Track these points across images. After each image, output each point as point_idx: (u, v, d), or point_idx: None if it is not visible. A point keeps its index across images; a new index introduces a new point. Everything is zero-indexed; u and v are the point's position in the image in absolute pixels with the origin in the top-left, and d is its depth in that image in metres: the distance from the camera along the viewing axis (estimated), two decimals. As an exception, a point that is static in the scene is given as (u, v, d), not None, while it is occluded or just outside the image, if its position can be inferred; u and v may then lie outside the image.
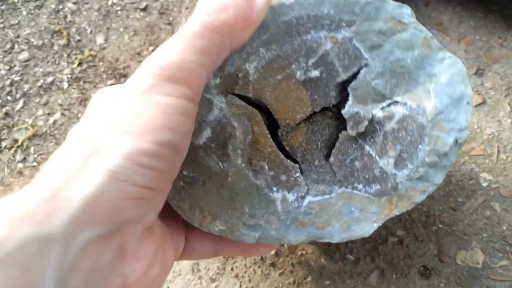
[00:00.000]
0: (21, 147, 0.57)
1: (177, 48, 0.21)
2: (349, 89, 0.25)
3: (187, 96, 0.21)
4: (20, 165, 0.56)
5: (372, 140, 0.25)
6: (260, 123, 0.25)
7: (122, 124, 0.20)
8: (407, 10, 0.24)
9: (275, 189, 0.25)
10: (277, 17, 0.24)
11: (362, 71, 0.25)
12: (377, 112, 0.25)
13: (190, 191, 0.25)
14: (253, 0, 0.22)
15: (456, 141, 0.23)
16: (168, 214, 0.26)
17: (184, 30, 0.21)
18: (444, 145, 0.23)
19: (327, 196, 0.25)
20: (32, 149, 0.57)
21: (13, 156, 0.57)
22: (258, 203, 0.25)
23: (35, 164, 0.56)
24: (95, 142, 0.20)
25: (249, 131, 0.25)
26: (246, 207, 0.25)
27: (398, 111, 0.24)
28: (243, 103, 0.25)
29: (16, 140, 0.57)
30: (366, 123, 0.24)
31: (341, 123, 0.26)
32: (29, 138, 0.57)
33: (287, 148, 0.26)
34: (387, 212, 0.24)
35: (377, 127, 0.25)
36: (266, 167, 0.26)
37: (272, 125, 0.27)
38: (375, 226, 0.24)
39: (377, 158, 0.25)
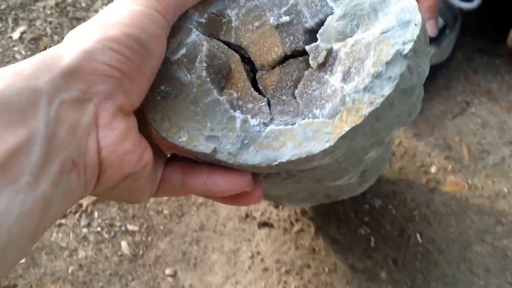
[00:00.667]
0: (85, 212, 0.59)
1: None
2: (317, 35, 0.27)
3: (155, 7, 0.24)
4: (84, 230, 0.58)
5: (330, 70, 0.26)
6: (238, 62, 0.28)
7: (99, 21, 0.23)
8: None
9: (238, 111, 0.26)
10: None
11: (328, 18, 0.27)
12: (336, 45, 0.26)
13: (164, 104, 0.26)
14: None
15: (400, 53, 0.24)
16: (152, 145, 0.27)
17: None
18: (387, 55, 0.24)
19: (289, 126, 0.25)
20: (96, 214, 0.59)
21: (78, 221, 0.59)
22: (219, 119, 0.26)
23: (99, 229, 0.58)
24: (77, 34, 0.23)
25: (219, 56, 0.27)
26: (208, 121, 0.26)
27: (352, 39, 0.26)
28: (225, 46, 0.28)
29: (80, 205, 0.59)
30: (324, 53, 0.26)
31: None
32: (93, 203, 0.59)
33: (261, 88, 0.28)
34: (338, 130, 0.24)
35: (336, 57, 0.26)
36: (235, 94, 0.27)
37: (254, 73, 0.29)
38: (327, 145, 0.24)
39: (330, 79, 0.26)
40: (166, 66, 0.27)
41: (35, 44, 0.72)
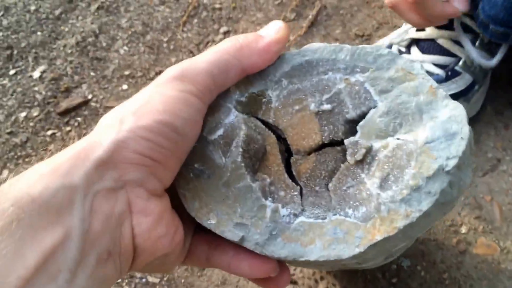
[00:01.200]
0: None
1: (192, 60, 0.26)
2: (358, 127, 0.26)
3: (190, 91, 0.24)
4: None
5: (368, 169, 0.25)
6: (274, 144, 0.28)
7: (132, 108, 0.24)
8: (417, 64, 0.26)
9: (269, 199, 0.26)
10: (301, 57, 0.28)
11: (371, 112, 0.26)
12: (376, 143, 0.26)
13: (196, 183, 0.26)
14: (262, 36, 0.27)
15: (442, 168, 0.23)
16: (182, 214, 0.28)
17: (205, 50, 0.27)
18: (428, 169, 0.23)
19: (320, 220, 0.25)
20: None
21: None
22: (250, 206, 0.26)
23: (119, 280, 0.56)
24: (110, 122, 0.24)
25: (256, 139, 0.27)
26: (239, 207, 0.26)
27: (393, 142, 0.25)
28: (262, 125, 0.28)
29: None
30: (363, 150, 0.25)
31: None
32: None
33: (294, 173, 0.28)
34: (370, 237, 0.24)
35: (374, 157, 0.25)
36: (268, 180, 0.27)
37: (289, 154, 0.29)
38: (357, 250, 0.24)
39: (367, 181, 0.25)
40: (202, 144, 0.27)
41: (56, 84, 0.72)
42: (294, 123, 0.28)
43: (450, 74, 0.53)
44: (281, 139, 0.29)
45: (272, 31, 0.27)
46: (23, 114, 0.69)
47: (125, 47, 0.73)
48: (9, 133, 0.67)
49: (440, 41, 0.54)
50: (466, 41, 0.52)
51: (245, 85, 0.28)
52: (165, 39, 0.73)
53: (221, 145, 0.27)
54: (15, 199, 0.20)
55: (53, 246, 0.19)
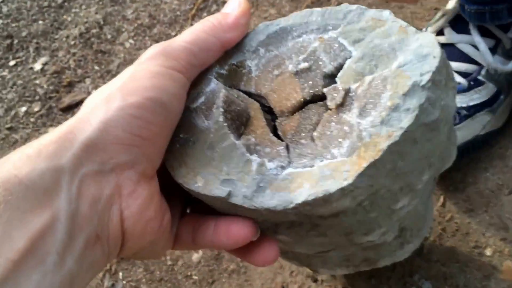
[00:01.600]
0: (109, 272, 0.56)
1: (170, 41, 0.26)
2: (336, 79, 0.27)
3: (175, 67, 0.25)
4: (108, 292, 0.54)
5: (349, 110, 0.26)
6: (257, 110, 0.28)
7: (119, 86, 0.24)
8: (386, 12, 0.28)
9: (255, 155, 0.26)
10: (275, 26, 0.30)
11: (347, 62, 0.27)
12: (354, 85, 0.26)
13: (182, 151, 0.27)
14: (228, 13, 0.29)
15: (417, 84, 0.24)
16: (169, 198, 0.28)
17: (180, 33, 0.28)
18: (404, 86, 0.24)
19: (308, 168, 0.25)
20: (120, 275, 0.55)
21: (101, 281, 0.55)
22: (235, 162, 0.26)
23: (123, 291, 0.54)
24: (97, 101, 0.23)
25: (237, 102, 0.28)
26: (224, 165, 0.26)
27: (370, 77, 0.26)
28: (245, 95, 0.29)
29: (104, 264, 0.56)
30: (342, 93, 0.26)
31: None
32: (118, 262, 0.56)
33: (280, 133, 0.28)
34: (356, 167, 0.23)
35: (354, 97, 0.26)
36: (253, 139, 0.27)
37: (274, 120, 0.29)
38: (344, 183, 0.23)
39: (347, 117, 0.25)
40: (185, 114, 0.27)
41: (58, 78, 0.69)
42: (275, 87, 0.29)
43: (473, 83, 0.51)
44: (266, 108, 0.29)
45: (235, 5, 0.29)
46: (23, 109, 0.66)
47: (131, 40, 0.70)
48: (8, 129, 0.64)
49: (460, 46, 0.52)
50: (481, 44, 0.50)
51: (224, 58, 0.29)
52: (173, 33, 0.70)
53: (203, 110, 0.28)
54: (2, 181, 0.20)
55: (41, 228, 0.19)
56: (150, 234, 0.24)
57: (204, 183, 0.26)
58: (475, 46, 0.51)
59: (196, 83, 0.28)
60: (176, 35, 0.68)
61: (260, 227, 0.28)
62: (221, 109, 0.27)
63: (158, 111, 0.24)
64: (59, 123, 0.64)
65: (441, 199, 0.53)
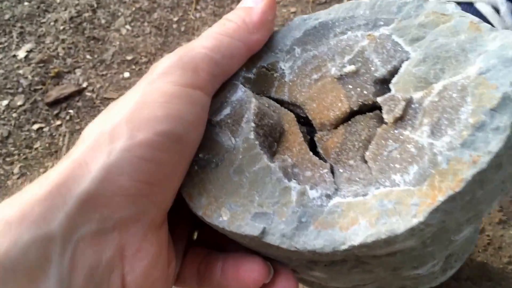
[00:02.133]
0: None
1: (188, 47, 0.23)
2: (391, 85, 0.24)
3: (193, 83, 0.22)
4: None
5: (411, 125, 0.23)
6: (292, 122, 0.26)
7: (124, 114, 0.20)
8: (451, 4, 0.25)
9: (294, 180, 0.23)
10: (313, 20, 0.27)
11: (404, 65, 0.24)
12: (416, 94, 0.23)
13: (203, 175, 0.24)
14: (251, 8, 0.26)
15: (508, 96, 0.20)
16: (175, 227, 0.26)
17: (197, 38, 0.25)
18: (491, 99, 0.20)
19: (361, 198, 0.22)
20: None
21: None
22: (270, 191, 0.23)
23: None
24: (97, 135, 0.20)
25: (270, 114, 0.25)
26: (256, 195, 0.23)
27: (439, 84, 0.23)
28: (277, 104, 0.26)
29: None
30: (403, 103, 0.23)
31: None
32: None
33: (321, 151, 0.25)
34: (430, 201, 0.20)
35: (417, 109, 0.23)
36: (290, 160, 0.24)
37: (311, 133, 0.27)
38: (414, 221, 0.20)
39: (414, 136, 0.22)
40: (206, 129, 0.24)
41: (44, 68, 0.62)
42: (313, 94, 0.26)
43: None
44: (302, 119, 0.26)
45: None
46: (4, 102, 0.60)
47: (128, 26, 0.64)
48: (-13, 125, 0.57)
49: (479, 6, 0.49)
50: (504, 5, 0.47)
51: (251, 59, 0.26)
52: (175, 19, 0.64)
53: (229, 125, 0.24)
54: None
55: None
56: None
57: (231, 216, 0.23)
58: (495, 8, 0.48)
59: (218, 89, 0.25)
60: (178, 20, 0.64)
61: (289, 264, 0.25)
62: (252, 124, 0.24)
63: (172, 147, 0.21)
64: (45, 119, 0.57)
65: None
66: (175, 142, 0.21)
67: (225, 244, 0.26)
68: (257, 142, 0.24)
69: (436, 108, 0.22)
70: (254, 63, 0.27)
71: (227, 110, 0.25)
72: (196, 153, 0.24)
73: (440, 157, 0.21)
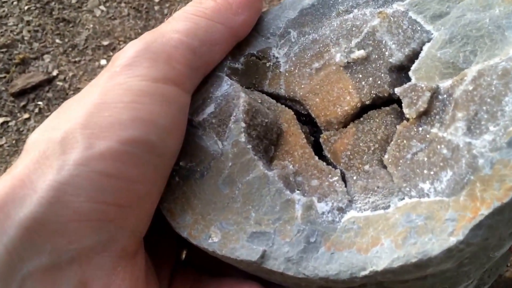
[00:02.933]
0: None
1: (157, 31, 0.21)
2: (410, 73, 0.21)
3: (168, 77, 0.19)
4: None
5: (440, 120, 0.20)
6: (292, 120, 0.23)
7: (81, 119, 0.18)
8: None
9: (297, 191, 0.21)
10: None
11: (425, 47, 0.22)
12: (444, 83, 0.21)
13: (185, 188, 0.22)
14: None
15: None
16: (153, 250, 0.23)
17: (167, 19, 0.22)
18: None
19: (381, 211, 0.20)
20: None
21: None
22: (269, 205, 0.21)
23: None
24: (47, 147, 0.18)
25: (263, 112, 0.23)
26: (252, 210, 0.21)
27: (472, 69, 0.20)
28: (272, 100, 0.23)
29: None
30: (427, 95, 0.20)
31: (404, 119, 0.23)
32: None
33: (328, 155, 0.23)
34: (470, 215, 0.18)
35: (446, 101, 0.20)
36: (291, 167, 0.22)
37: (315, 132, 0.24)
38: (452, 241, 0.18)
39: (445, 134, 0.20)
40: (187, 131, 0.22)
41: (7, 53, 0.58)
42: (315, 87, 0.23)
43: None
44: (303, 116, 0.24)
45: None
46: None
47: (102, 7, 0.60)
48: None
49: None
50: None
51: (238, 47, 0.24)
52: (157, 0, 0.60)
53: (214, 126, 0.22)
54: None
55: None
56: None
57: (223, 237, 0.21)
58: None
59: (199, 83, 0.23)
60: (160, 1, 0.59)
61: None
62: (242, 124, 0.22)
63: (143, 159, 0.18)
64: (10, 112, 0.54)
65: None
66: (147, 152, 0.18)
67: (219, 266, 0.23)
68: (249, 146, 0.22)
69: (471, 98, 0.20)
70: (242, 50, 0.24)
71: (210, 108, 0.22)
72: (176, 161, 0.22)
73: (481, 160, 0.18)
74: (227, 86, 0.23)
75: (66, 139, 0.17)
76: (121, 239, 0.19)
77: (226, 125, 0.22)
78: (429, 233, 0.18)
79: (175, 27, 0.21)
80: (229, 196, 0.22)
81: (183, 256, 0.26)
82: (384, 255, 0.19)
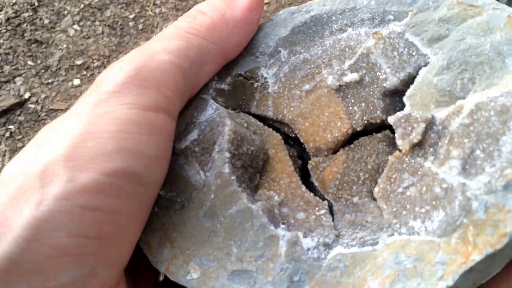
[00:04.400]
0: None
1: (146, 51, 0.20)
2: (405, 99, 0.21)
3: (157, 105, 0.18)
4: None
5: (434, 153, 0.20)
6: (279, 146, 0.23)
7: (62, 150, 0.17)
8: None
9: (282, 226, 0.21)
10: (304, 13, 0.24)
11: (421, 72, 0.21)
12: (439, 113, 0.20)
13: (164, 219, 0.21)
14: (233, 1, 0.22)
15: None
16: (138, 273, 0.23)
17: (157, 35, 0.21)
18: None
19: (369, 247, 0.20)
20: None
21: None
22: (252, 240, 0.21)
23: None
24: (25, 180, 0.17)
25: (250, 139, 0.22)
26: (234, 245, 0.21)
27: (470, 101, 0.20)
28: (259, 123, 0.23)
29: None
30: (422, 125, 0.20)
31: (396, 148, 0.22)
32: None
33: (316, 184, 0.23)
34: (461, 259, 0.18)
35: (441, 133, 0.20)
36: (276, 198, 0.22)
37: (304, 159, 0.24)
38: (442, 285, 0.18)
39: (439, 170, 0.20)
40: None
41: None
42: (305, 110, 0.23)
43: None
44: (290, 140, 0.24)
45: None
46: None
47: (76, 26, 0.59)
48: None
49: None
50: None
51: (225, 66, 0.23)
52: (131, 16, 0.60)
53: (196, 154, 0.21)
54: None
55: None
56: None
57: (202, 274, 0.20)
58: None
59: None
60: (135, 17, 0.58)
61: None
62: (227, 154, 0.21)
63: (128, 191, 0.18)
64: None
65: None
66: (132, 182, 0.18)
67: None
68: (233, 178, 0.21)
69: (467, 134, 0.20)
70: (229, 70, 0.23)
71: (194, 135, 0.22)
72: None
73: (475, 203, 0.18)
74: (212, 110, 0.22)
75: (46, 172, 0.17)
76: (102, 273, 0.18)
77: (209, 154, 0.22)
78: (418, 277, 0.19)
79: (166, 47, 0.20)
80: (210, 229, 0.21)
81: (161, 278, 0.25)
82: None
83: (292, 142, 0.24)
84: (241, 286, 0.20)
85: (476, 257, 0.18)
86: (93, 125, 0.18)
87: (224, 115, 0.22)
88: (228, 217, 0.21)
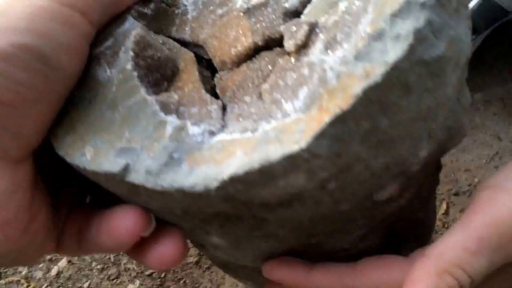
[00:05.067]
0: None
1: None
2: (302, 16, 0.22)
3: (73, 4, 0.20)
4: None
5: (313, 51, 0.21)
6: (190, 61, 0.24)
7: None
8: None
9: (173, 115, 0.21)
10: None
11: None
12: (323, 17, 0.21)
13: (73, 114, 0.22)
14: None
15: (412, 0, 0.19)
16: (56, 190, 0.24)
17: None
18: (393, 4, 0.19)
19: (249, 134, 0.20)
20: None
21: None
22: (143, 125, 0.21)
23: None
24: None
25: (158, 47, 0.23)
26: (127, 130, 0.21)
27: (343, 3, 0.21)
28: (177, 44, 0.24)
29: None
30: (306, 28, 0.21)
31: None
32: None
33: (218, 92, 0.24)
34: (315, 124, 0.18)
35: (320, 33, 0.21)
36: (176, 96, 0.22)
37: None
38: (294, 148, 0.18)
39: (311, 56, 0.21)
40: (85, 64, 0.23)
41: None
42: (216, 32, 0.24)
43: None
44: (204, 60, 0.25)
45: None
46: None
47: None
48: None
49: None
50: None
51: None
52: None
53: (106, 56, 0.23)
54: None
55: None
56: (6, 243, 0.20)
57: (94, 154, 0.21)
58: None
59: (107, 24, 0.23)
60: None
61: (182, 226, 0.23)
62: (131, 53, 0.22)
63: (34, 67, 0.18)
64: None
65: (444, 206, 0.45)
66: (40, 62, 0.19)
67: (113, 203, 0.24)
68: (135, 73, 0.22)
69: (336, 25, 0.20)
70: None
71: (108, 42, 0.23)
72: (72, 91, 0.22)
73: (330, 73, 0.19)
74: (128, 24, 0.23)
75: None
76: (2, 139, 0.19)
77: (117, 55, 0.23)
78: (277, 143, 0.19)
79: None
80: (109, 119, 0.22)
81: (87, 200, 0.26)
82: (233, 164, 0.19)
83: (206, 63, 0.25)
84: (124, 160, 0.21)
85: (326, 119, 0.18)
86: (9, 5, 0.19)
87: (138, 25, 0.23)
88: (126, 107, 0.22)
